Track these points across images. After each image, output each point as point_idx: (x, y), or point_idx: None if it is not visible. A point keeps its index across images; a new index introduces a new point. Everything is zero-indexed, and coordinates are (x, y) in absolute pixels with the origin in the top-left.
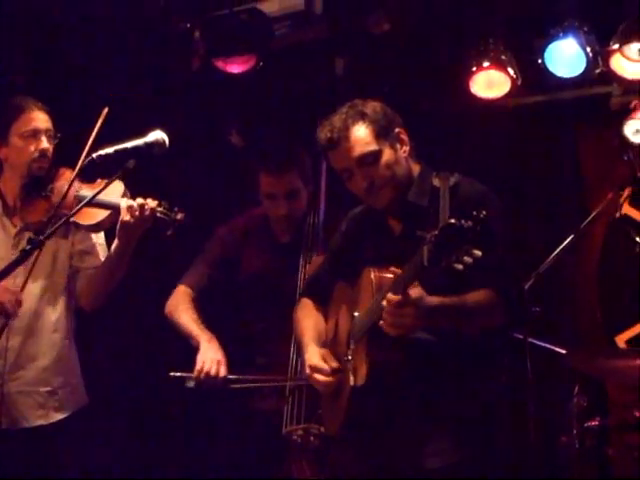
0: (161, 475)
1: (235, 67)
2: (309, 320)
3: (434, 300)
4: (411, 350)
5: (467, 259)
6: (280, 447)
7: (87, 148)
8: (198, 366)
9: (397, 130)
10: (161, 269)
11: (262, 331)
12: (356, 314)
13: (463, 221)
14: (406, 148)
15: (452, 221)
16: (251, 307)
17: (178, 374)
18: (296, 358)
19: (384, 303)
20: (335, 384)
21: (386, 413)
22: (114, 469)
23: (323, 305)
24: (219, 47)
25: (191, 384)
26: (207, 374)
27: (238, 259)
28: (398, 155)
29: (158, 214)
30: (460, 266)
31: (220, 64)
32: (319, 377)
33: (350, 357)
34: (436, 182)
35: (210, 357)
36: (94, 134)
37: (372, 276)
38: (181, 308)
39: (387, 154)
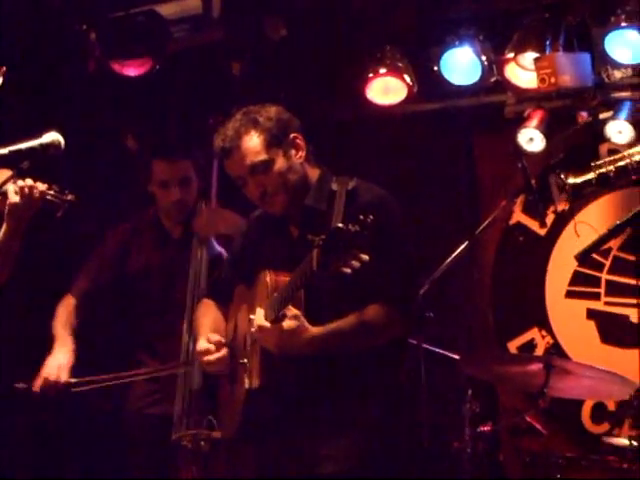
0: None
1: (131, 70)
2: (208, 318)
3: (308, 334)
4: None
5: (355, 263)
6: (170, 452)
7: None
8: (40, 372)
9: (292, 135)
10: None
11: (150, 329)
12: (252, 317)
13: (350, 225)
14: (302, 153)
15: (339, 225)
16: (139, 306)
17: (22, 385)
18: (187, 358)
19: (254, 327)
20: (225, 361)
21: (280, 416)
22: None
23: (224, 306)
24: (115, 49)
25: (34, 393)
26: (47, 380)
27: (125, 259)
28: (292, 162)
29: (48, 197)
30: (348, 270)
31: (116, 66)
32: (206, 357)
33: (246, 360)
34: (335, 186)
35: (52, 363)
36: None
37: (267, 279)
38: (59, 311)
39: (279, 162)
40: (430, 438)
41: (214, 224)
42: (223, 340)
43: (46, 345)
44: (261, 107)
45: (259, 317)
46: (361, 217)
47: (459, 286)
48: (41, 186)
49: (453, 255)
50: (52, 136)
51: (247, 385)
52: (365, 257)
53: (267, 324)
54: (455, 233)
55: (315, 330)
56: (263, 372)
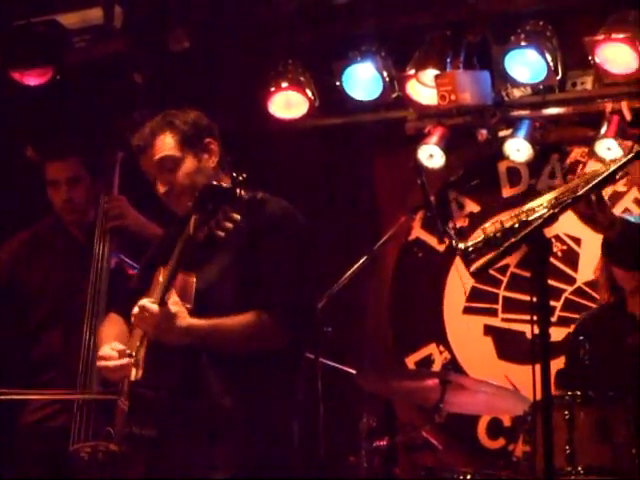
0: None
1: (32, 79)
2: (110, 330)
3: (186, 322)
4: (193, 354)
5: (227, 224)
6: (68, 465)
7: None
8: None
9: (207, 140)
10: None
11: (53, 339)
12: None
13: (223, 182)
14: (214, 159)
15: (211, 183)
16: (39, 317)
17: None
18: (85, 371)
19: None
20: (123, 368)
21: (169, 419)
22: None
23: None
24: (16, 59)
25: None
26: None
27: (20, 270)
28: (202, 165)
29: None
30: (222, 233)
31: (17, 76)
32: (105, 363)
33: (134, 353)
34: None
35: None
36: None
37: (162, 276)
38: None
39: (189, 162)
40: (327, 452)
41: (115, 215)
42: (128, 351)
43: None
44: (181, 111)
45: (143, 300)
46: (233, 174)
47: (358, 301)
48: None
49: (352, 269)
50: None
51: (132, 377)
52: (237, 216)
53: (149, 304)
54: (355, 248)
55: (193, 321)
56: (148, 364)
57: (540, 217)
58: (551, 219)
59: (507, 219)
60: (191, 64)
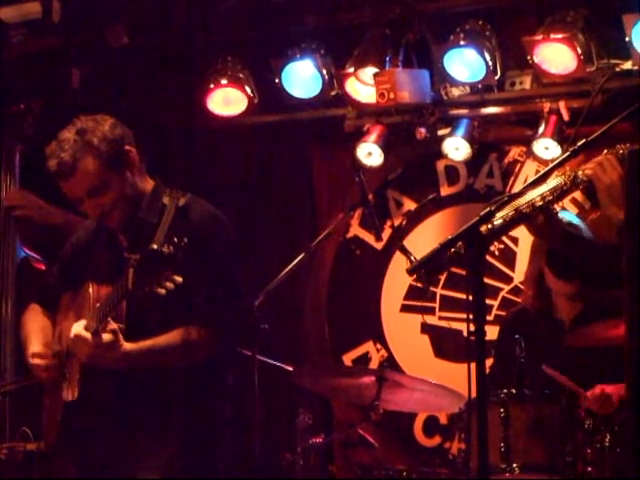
0: None
1: None
2: (35, 323)
3: (121, 350)
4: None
5: (169, 284)
6: None
7: None
8: None
9: (126, 149)
10: None
11: None
12: (75, 325)
13: (165, 247)
14: (135, 169)
15: (154, 247)
16: None
17: None
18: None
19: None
20: (56, 370)
21: (98, 428)
22: None
23: (51, 312)
24: None
25: None
26: None
27: None
28: (127, 178)
29: None
30: (163, 291)
31: None
32: (39, 361)
33: (66, 371)
34: (166, 200)
35: None
36: None
37: (90, 290)
38: None
39: (115, 183)
40: (262, 449)
41: (22, 205)
42: (59, 349)
43: None
44: (95, 123)
45: (78, 327)
46: (175, 240)
47: (295, 298)
48: None
49: (289, 267)
50: None
51: (65, 397)
52: (178, 279)
53: (84, 333)
54: (292, 245)
55: (129, 346)
56: (81, 384)
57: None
58: (487, 216)
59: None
60: (131, 60)
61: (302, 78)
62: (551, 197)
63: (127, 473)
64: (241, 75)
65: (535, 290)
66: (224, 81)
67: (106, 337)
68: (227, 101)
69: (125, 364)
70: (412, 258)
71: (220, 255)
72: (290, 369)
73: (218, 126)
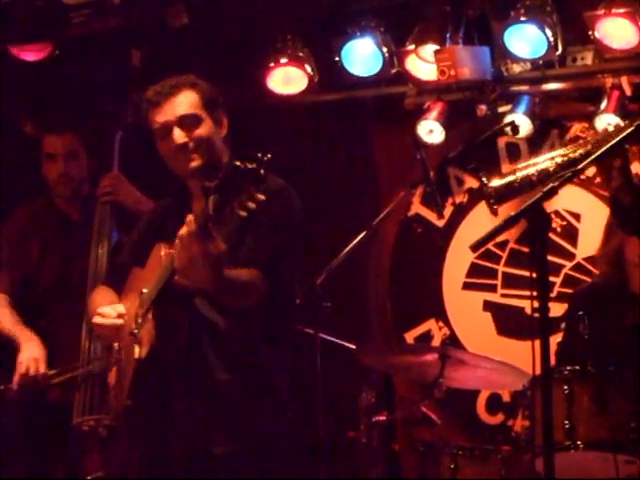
0: None
1: (30, 55)
2: (101, 299)
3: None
4: (198, 325)
5: (250, 204)
6: (70, 438)
7: None
8: (17, 370)
9: (221, 112)
10: None
11: (49, 322)
12: (144, 290)
13: (247, 163)
14: (224, 132)
15: (236, 163)
16: (39, 295)
17: (1, 387)
18: (88, 345)
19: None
20: (117, 329)
21: (170, 392)
22: None
23: (119, 292)
24: (14, 34)
25: (14, 389)
26: (26, 375)
27: (25, 246)
28: (218, 132)
29: None
30: (244, 213)
31: (15, 51)
32: (101, 320)
33: (137, 330)
34: None
35: (26, 357)
36: None
37: (162, 252)
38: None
39: (208, 124)
40: (326, 428)
41: (117, 190)
42: (124, 312)
43: None
44: (199, 78)
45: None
46: (258, 155)
47: (357, 276)
48: None
49: (351, 245)
50: None
51: (136, 355)
52: (261, 197)
53: (193, 226)
54: (353, 223)
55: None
56: (155, 338)
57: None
58: (550, 193)
59: (542, 161)
60: (190, 40)
61: (362, 56)
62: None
63: (196, 443)
64: (301, 54)
65: (610, 268)
66: (284, 60)
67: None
68: (287, 80)
69: (212, 275)
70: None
71: (285, 222)
72: (353, 347)
73: (278, 105)
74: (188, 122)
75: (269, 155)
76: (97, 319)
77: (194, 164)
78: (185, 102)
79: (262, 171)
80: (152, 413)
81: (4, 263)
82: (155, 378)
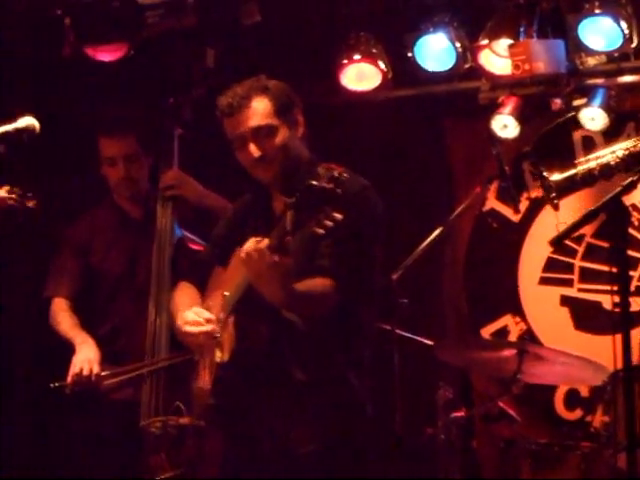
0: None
1: (106, 55)
2: (184, 297)
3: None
4: (278, 327)
5: (327, 223)
6: (138, 439)
7: None
8: (70, 370)
9: (296, 111)
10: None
11: (116, 320)
12: (226, 293)
13: (325, 183)
14: (301, 130)
15: (313, 183)
16: (103, 292)
17: (56, 384)
18: (152, 345)
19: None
20: (208, 336)
21: (251, 393)
22: None
23: (201, 290)
24: (90, 34)
25: (68, 390)
26: (79, 375)
27: (90, 248)
28: (293, 135)
29: (9, 201)
30: (321, 230)
31: (91, 51)
32: (190, 328)
33: (218, 334)
34: (321, 170)
35: (81, 358)
36: None
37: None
38: (58, 317)
39: (283, 132)
40: (404, 424)
41: (180, 184)
42: (213, 317)
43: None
44: (270, 78)
45: (251, 242)
46: (335, 174)
47: (433, 272)
48: (1, 191)
49: (427, 241)
50: (27, 120)
51: (218, 359)
52: (338, 216)
53: (260, 245)
54: (429, 219)
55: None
56: (235, 342)
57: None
58: (630, 186)
59: (604, 155)
60: (261, 38)
61: (435, 51)
62: None
63: (278, 443)
64: (374, 50)
65: None
66: (357, 56)
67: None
68: (361, 76)
69: (284, 293)
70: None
71: (365, 225)
72: (430, 343)
73: (351, 102)
74: (262, 133)
75: (346, 175)
76: (187, 328)
77: (272, 174)
78: (258, 112)
79: (339, 190)
80: (234, 414)
81: (66, 268)
82: (236, 380)
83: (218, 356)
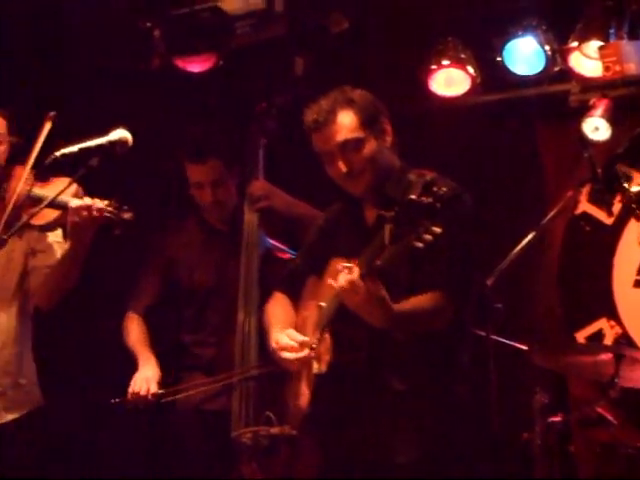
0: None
1: (195, 66)
2: (278, 310)
3: (385, 293)
4: (376, 336)
5: (427, 237)
6: (229, 449)
7: (37, 148)
8: (129, 389)
9: (382, 120)
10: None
11: (206, 332)
12: (323, 304)
13: (423, 197)
14: (389, 139)
15: (412, 197)
16: (190, 305)
17: (117, 400)
18: (241, 355)
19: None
20: (304, 360)
21: (350, 403)
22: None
23: (295, 300)
24: (179, 46)
25: (126, 404)
26: (137, 394)
27: (175, 263)
28: (381, 145)
29: (106, 213)
30: (420, 244)
31: (180, 63)
32: (287, 354)
33: (315, 346)
34: (412, 177)
35: (140, 377)
36: (42, 136)
37: (339, 267)
38: (128, 330)
39: (370, 143)
40: (500, 429)
41: (261, 197)
42: (307, 340)
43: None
44: (354, 89)
45: (345, 275)
46: (434, 189)
47: (526, 277)
48: (99, 204)
49: (520, 246)
50: (120, 133)
51: (315, 370)
52: (438, 230)
53: (354, 277)
54: (522, 224)
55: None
56: (333, 353)
57: None
58: None
59: None
60: (348, 45)
61: (525, 55)
62: None
63: (376, 451)
64: (463, 55)
65: None
66: (446, 62)
67: (377, 286)
68: (450, 82)
69: (386, 319)
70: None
71: (462, 229)
72: (525, 348)
73: (440, 107)
74: (350, 147)
75: (444, 189)
76: (283, 354)
77: (362, 187)
78: (344, 127)
79: (438, 205)
80: (332, 424)
81: (148, 282)
82: (334, 391)
83: (315, 367)
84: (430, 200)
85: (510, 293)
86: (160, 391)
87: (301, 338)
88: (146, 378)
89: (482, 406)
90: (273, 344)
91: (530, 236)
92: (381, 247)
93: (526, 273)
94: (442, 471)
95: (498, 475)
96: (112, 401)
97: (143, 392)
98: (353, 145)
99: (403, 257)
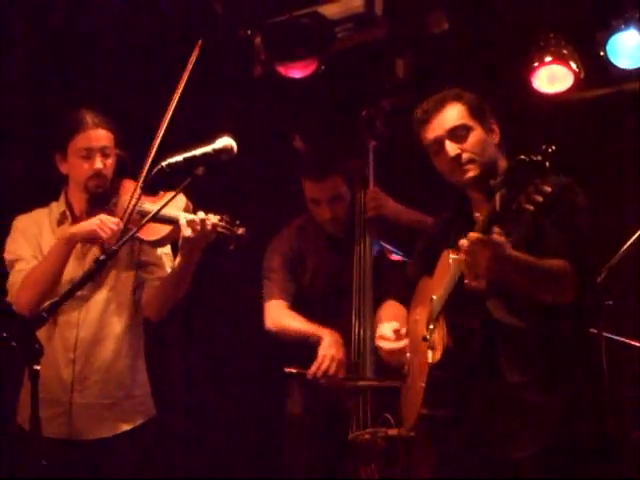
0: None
1: (297, 72)
2: (389, 310)
3: (512, 251)
4: (490, 326)
5: (537, 197)
6: (344, 451)
7: (149, 160)
8: (318, 361)
9: (490, 119)
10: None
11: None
12: (434, 297)
13: (532, 156)
14: (497, 138)
15: (521, 157)
16: (312, 307)
17: (293, 370)
18: (358, 361)
19: (464, 242)
20: (402, 353)
21: (464, 397)
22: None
23: (408, 307)
24: (281, 52)
25: (308, 378)
26: (325, 372)
27: (302, 258)
28: (489, 138)
29: (219, 229)
30: (531, 206)
31: (282, 69)
32: (383, 343)
33: (428, 337)
34: None
35: (331, 354)
36: (154, 147)
37: (449, 259)
38: (286, 316)
39: (478, 132)
40: (613, 427)
41: (381, 205)
42: (404, 331)
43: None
44: (464, 91)
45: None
46: (544, 147)
47: (637, 273)
48: (213, 218)
49: (630, 241)
50: (225, 141)
51: (430, 360)
52: (548, 188)
53: (476, 234)
54: (631, 220)
55: (514, 251)
56: (447, 342)
57: None
58: None
59: None
60: (444, 45)
61: (628, 48)
62: None
63: (494, 446)
64: (565, 51)
65: None
66: (548, 58)
67: (496, 237)
68: (552, 78)
69: (502, 268)
70: None
71: (580, 212)
72: (638, 345)
73: (543, 104)
74: (458, 133)
75: (553, 147)
76: (379, 343)
77: (470, 174)
78: (453, 114)
79: (547, 163)
80: (448, 420)
81: (280, 276)
82: (450, 384)
83: (429, 356)
84: (539, 158)
85: (621, 289)
86: (346, 377)
87: (396, 326)
88: (338, 359)
89: (595, 404)
90: (376, 337)
91: (639, 232)
92: (493, 213)
93: (637, 269)
94: (563, 468)
95: (612, 473)
96: (286, 370)
97: (332, 371)
98: (462, 131)
99: (518, 222)
